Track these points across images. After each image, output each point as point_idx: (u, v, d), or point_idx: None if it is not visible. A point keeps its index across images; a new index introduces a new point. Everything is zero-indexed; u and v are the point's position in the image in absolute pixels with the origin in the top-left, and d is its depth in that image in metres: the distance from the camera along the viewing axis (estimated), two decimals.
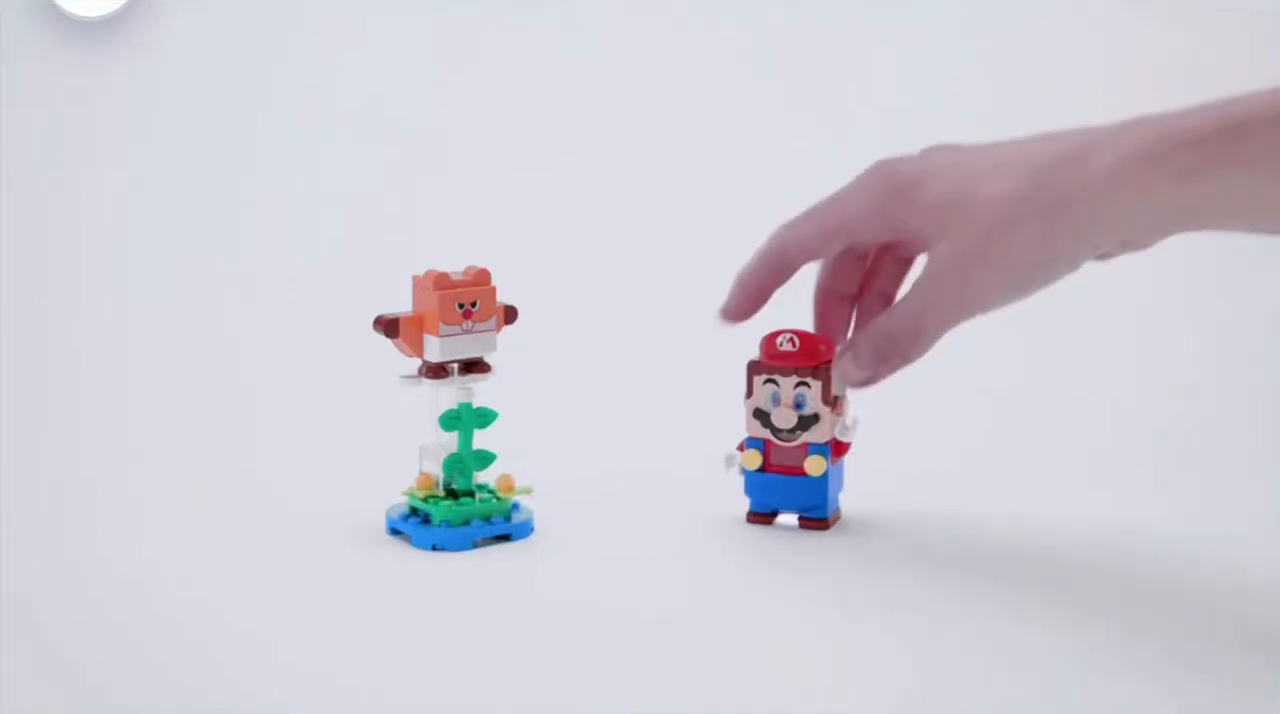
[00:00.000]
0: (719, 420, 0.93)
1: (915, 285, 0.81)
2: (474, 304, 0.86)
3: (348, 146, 1.32)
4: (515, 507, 0.89)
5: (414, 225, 1.30)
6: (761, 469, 0.90)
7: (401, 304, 0.87)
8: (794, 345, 0.88)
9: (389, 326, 0.86)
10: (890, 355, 0.82)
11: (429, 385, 0.88)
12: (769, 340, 0.89)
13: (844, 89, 1.33)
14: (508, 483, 0.89)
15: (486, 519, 0.88)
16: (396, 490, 0.90)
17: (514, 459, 0.89)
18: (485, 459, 0.89)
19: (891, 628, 0.78)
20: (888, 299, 0.86)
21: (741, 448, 0.90)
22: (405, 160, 1.32)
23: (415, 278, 0.87)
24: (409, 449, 0.90)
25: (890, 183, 0.81)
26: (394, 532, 0.89)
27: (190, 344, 1.19)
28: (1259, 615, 0.78)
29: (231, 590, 0.81)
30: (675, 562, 0.87)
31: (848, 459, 0.91)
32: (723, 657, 0.74)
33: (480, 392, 0.89)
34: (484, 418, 0.89)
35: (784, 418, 0.88)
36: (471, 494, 0.89)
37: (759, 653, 0.75)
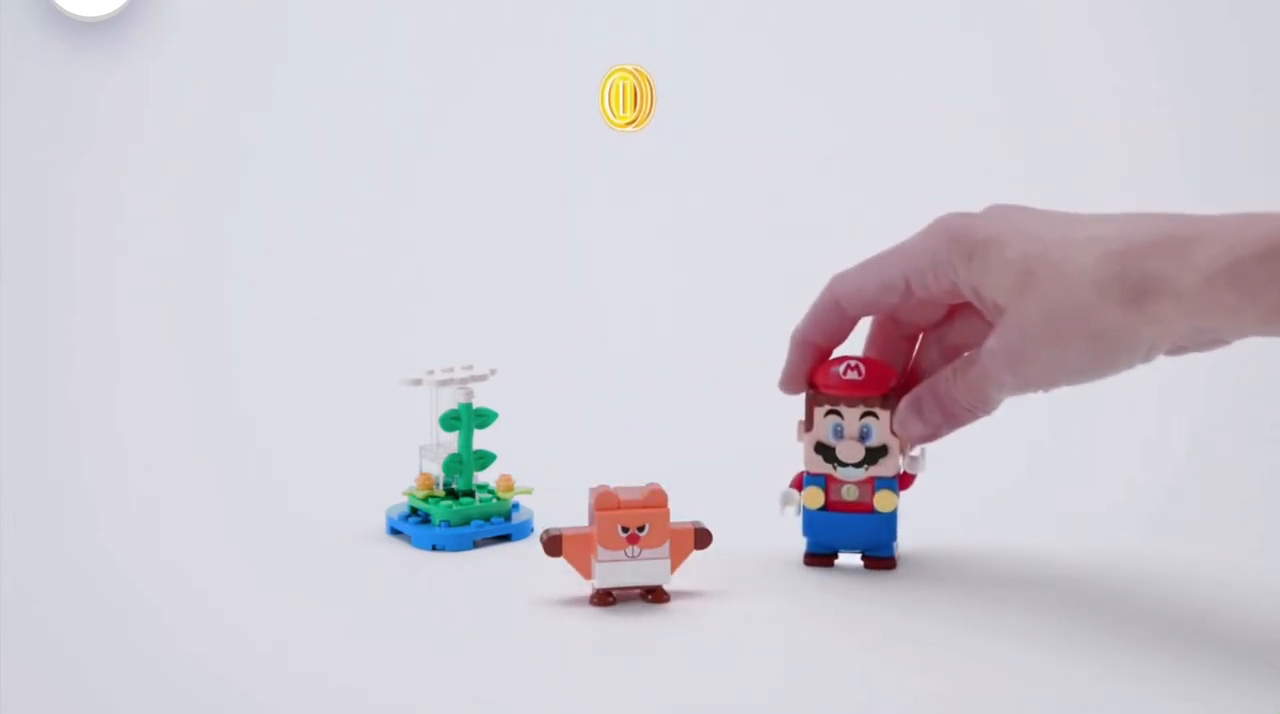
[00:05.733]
0: (716, 422, 0.93)
1: (986, 351, 0.76)
2: (641, 529, 0.78)
3: (349, 147, 1.32)
4: (515, 507, 0.89)
5: (415, 225, 1.30)
6: (823, 507, 0.83)
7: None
8: (860, 373, 0.81)
9: (550, 545, 0.78)
10: (956, 418, 0.79)
11: (429, 386, 0.88)
12: (826, 368, 0.82)
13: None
14: (508, 483, 0.89)
15: (486, 519, 0.88)
16: (396, 490, 0.90)
17: (514, 459, 0.89)
18: (485, 459, 0.89)
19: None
20: (950, 351, 0.82)
21: (798, 485, 0.83)
22: (407, 160, 1.32)
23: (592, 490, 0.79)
24: (409, 449, 0.90)
25: (963, 240, 0.75)
26: (394, 532, 0.89)
27: (190, 344, 1.19)
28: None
29: (231, 590, 0.81)
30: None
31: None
32: (724, 654, 0.74)
33: (480, 392, 0.89)
34: (484, 418, 0.89)
35: (850, 451, 0.81)
36: (471, 494, 0.89)
37: (768, 651, 0.75)
